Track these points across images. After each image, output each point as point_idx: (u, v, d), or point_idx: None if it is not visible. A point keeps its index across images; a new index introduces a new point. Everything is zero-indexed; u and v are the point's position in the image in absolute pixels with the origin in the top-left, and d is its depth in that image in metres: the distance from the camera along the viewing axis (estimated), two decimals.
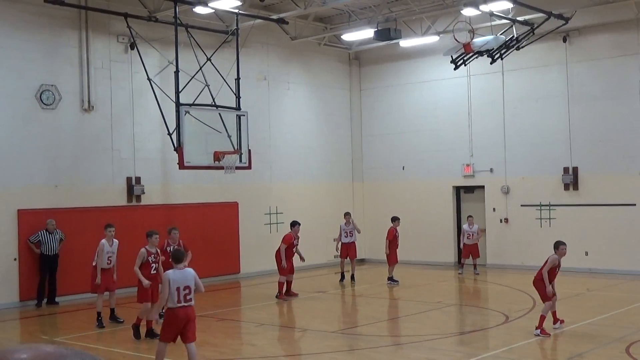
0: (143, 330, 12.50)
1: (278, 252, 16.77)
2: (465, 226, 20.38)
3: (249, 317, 14.87)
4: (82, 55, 17.95)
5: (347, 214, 19.61)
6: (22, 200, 16.68)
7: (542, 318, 11.99)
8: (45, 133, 17.26)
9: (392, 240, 18.83)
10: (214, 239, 20.03)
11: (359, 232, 19.53)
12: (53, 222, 16.58)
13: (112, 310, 14.11)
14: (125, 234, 17.19)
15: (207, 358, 11.25)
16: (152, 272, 12.59)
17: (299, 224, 17.08)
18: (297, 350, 12.19)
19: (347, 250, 19.39)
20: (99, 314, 13.81)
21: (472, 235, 20.10)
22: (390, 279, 18.70)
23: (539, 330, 11.83)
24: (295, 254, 16.89)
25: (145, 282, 12.42)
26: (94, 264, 13.82)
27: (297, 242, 16.89)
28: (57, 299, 16.59)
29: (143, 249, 12.64)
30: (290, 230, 17.05)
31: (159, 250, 12.94)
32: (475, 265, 20.34)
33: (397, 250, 18.97)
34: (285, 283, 16.74)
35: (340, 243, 19.43)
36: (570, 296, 16.31)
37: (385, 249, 18.88)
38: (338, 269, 19.72)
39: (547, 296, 12.04)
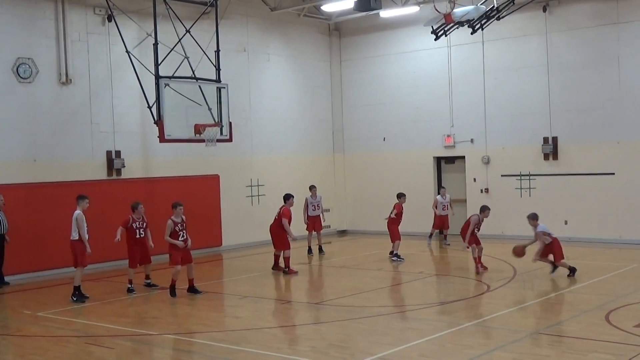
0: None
1: (280, 227, 16.24)
2: (438, 197, 20.68)
3: (231, 289, 14.89)
4: (59, 27, 17.68)
5: (312, 187, 19.60)
6: (1, 175, 16.51)
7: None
8: (22, 107, 17.05)
9: (398, 215, 18.48)
10: (195, 212, 19.91)
11: (324, 209, 19.77)
12: (2, 197, 16.01)
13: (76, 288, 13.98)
14: (106, 208, 17.12)
15: (191, 330, 11.27)
16: (180, 239, 13.85)
17: (292, 197, 16.88)
18: (281, 322, 12.24)
19: (314, 223, 19.47)
20: (78, 287, 13.76)
21: (446, 206, 20.48)
22: (396, 255, 18.04)
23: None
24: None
25: (181, 244, 13.82)
26: (76, 237, 13.64)
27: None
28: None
29: (170, 221, 13.82)
30: (284, 203, 16.63)
31: (184, 218, 14.09)
32: (445, 236, 20.71)
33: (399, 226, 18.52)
34: (280, 255, 16.49)
35: (306, 216, 19.43)
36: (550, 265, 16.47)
37: (388, 219, 18.48)
38: (315, 242, 19.65)
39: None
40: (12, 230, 16.19)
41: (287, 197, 16.80)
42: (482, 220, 15.97)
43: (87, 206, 13.91)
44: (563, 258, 14.77)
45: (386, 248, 18.75)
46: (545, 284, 14.19)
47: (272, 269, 16.61)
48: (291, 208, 16.68)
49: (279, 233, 16.31)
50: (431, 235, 20.84)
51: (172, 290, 13.87)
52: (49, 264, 17.00)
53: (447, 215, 20.63)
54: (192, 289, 14.16)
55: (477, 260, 15.71)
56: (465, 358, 9.03)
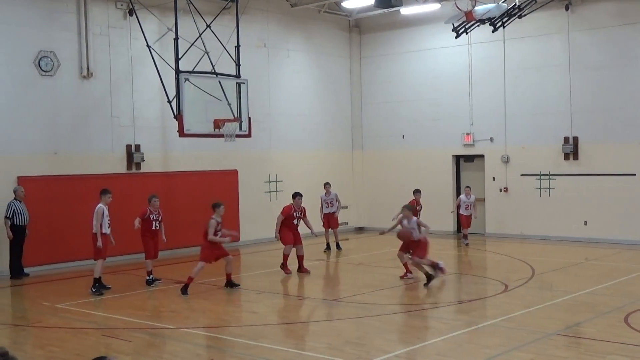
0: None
1: (282, 224, 15.92)
2: (462, 196, 20.29)
3: (249, 284, 14.92)
4: (81, 21, 17.79)
5: (326, 184, 19.58)
6: (22, 167, 16.66)
7: None
8: (44, 100, 17.18)
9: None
10: None
11: (339, 205, 19.61)
12: (22, 189, 16.14)
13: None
14: (125, 202, 17.21)
15: (208, 325, 11.31)
16: (219, 237, 14.01)
17: (300, 196, 16.18)
18: (297, 318, 12.26)
19: (329, 220, 19.47)
20: (98, 279, 13.87)
21: (470, 205, 20.03)
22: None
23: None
24: (297, 226, 16.06)
25: (227, 239, 14.13)
26: (94, 230, 13.81)
27: (301, 214, 16.07)
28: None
29: (213, 220, 13.89)
30: (292, 201, 16.35)
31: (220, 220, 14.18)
32: (465, 236, 20.26)
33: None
34: (289, 255, 15.88)
35: (322, 213, 19.39)
36: (569, 265, 16.39)
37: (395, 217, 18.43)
38: (332, 240, 19.62)
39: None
40: (33, 222, 16.33)
41: (294, 196, 16.28)
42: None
43: (109, 200, 14.05)
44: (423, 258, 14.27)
45: (400, 246, 18.61)
46: (564, 285, 14.08)
47: (298, 271, 16.01)
48: (303, 206, 16.19)
49: (282, 230, 15.83)
50: (465, 236, 20.27)
51: (185, 289, 13.65)
52: (69, 256, 17.12)
53: (470, 215, 20.06)
54: (230, 283, 14.26)
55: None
56: (482, 358, 8.99)
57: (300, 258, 15.96)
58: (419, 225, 14.48)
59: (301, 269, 15.94)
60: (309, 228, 16.26)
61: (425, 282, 14.04)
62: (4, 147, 16.45)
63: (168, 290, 14.33)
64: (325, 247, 19.54)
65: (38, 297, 13.97)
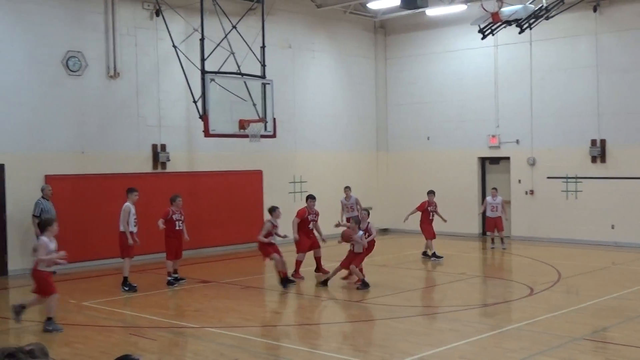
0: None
1: (299, 228, 15.55)
2: (488, 198, 20.05)
3: (273, 285, 14.95)
4: (108, 21, 17.95)
5: (346, 189, 19.04)
6: (50, 165, 16.84)
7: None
8: (71, 100, 17.36)
9: (424, 212, 18.45)
10: (238, 206, 20.13)
11: (360, 209, 19.15)
12: (50, 188, 16.27)
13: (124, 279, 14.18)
14: (150, 201, 17.33)
15: (232, 325, 11.35)
16: (272, 240, 14.55)
17: (313, 198, 15.89)
18: (321, 319, 12.25)
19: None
20: (126, 278, 13.99)
21: (496, 207, 19.67)
22: (434, 254, 17.98)
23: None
24: (312, 230, 15.73)
25: (278, 239, 14.67)
26: (121, 229, 13.94)
27: (315, 217, 15.76)
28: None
29: (268, 222, 14.59)
30: (306, 203, 16.11)
31: (277, 222, 14.73)
32: (502, 239, 19.75)
33: (432, 224, 18.37)
34: (302, 262, 15.54)
35: (342, 217, 18.92)
36: (596, 270, 16.22)
37: (407, 216, 18.53)
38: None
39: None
40: (59, 220, 16.39)
41: (306, 198, 16.19)
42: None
43: (136, 199, 14.18)
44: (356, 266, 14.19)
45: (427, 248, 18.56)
46: (590, 289, 13.94)
47: (315, 271, 15.71)
48: (317, 209, 15.90)
49: (299, 235, 15.42)
50: (493, 239, 20.07)
51: (286, 280, 14.52)
52: (95, 255, 17.27)
53: (499, 217, 19.59)
54: (287, 280, 14.63)
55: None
56: None
57: (317, 260, 15.64)
58: (367, 232, 14.37)
59: (319, 269, 15.60)
60: (319, 233, 15.79)
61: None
62: (32, 146, 16.64)
63: (192, 289, 14.40)
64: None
65: (64, 294, 14.04)
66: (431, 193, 18.64)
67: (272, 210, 14.83)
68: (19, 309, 11.15)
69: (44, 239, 10.92)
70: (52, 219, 11.38)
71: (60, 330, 10.80)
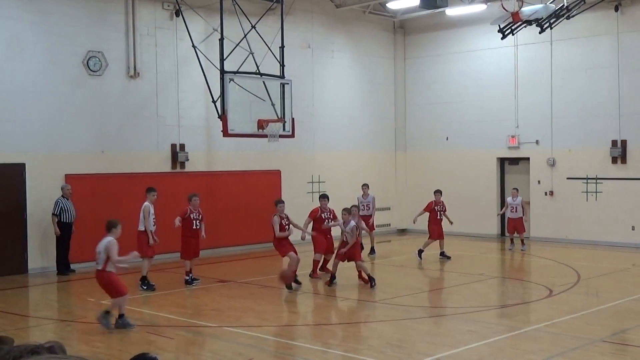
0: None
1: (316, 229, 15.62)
2: (509, 199, 19.93)
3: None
4: (128, 21, 18.07)
5: (364, 186, 18.93)
6: (70, 165, 16.97)
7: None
8: (92, 99, 17.48)
9: (431, 212, 18.40)
10: (256, 206, 20.15)
11: (374, 209, 19.07)
12: (69, 187, 16.42)
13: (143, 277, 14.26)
14: (169, 201, 17.42)
15: (249, 324, 11.38)
16: (287, 231, 14.54)
17: (327, 197, 15.93)
18: (338, 319, 12.25)
19: (365, 223, 19.00)
20: (145, 277, 14.06)
21: (515, 208, 19.53)
22: (442, 253, 18.07)
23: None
24: (329, 229, 15.75)
25: (285, 234, 14.55)
26: (142, 228, 14.01)
27: (330, 214, 15.69)
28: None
29: (276, 217, 14.50)
30: (319, 203, 16.08)
31: (288, 215, 14.77)
32: (522, 241, 19.55)
33: (442, 223, 18.29)
34: (319, 263, 15.65)
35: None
36: (616, 271, 16.08)
37: (415, 217, 18.52)
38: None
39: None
40: (79, 219, 16.63)
41: (320, 197, 16.18)
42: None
43: (154, 198, 14.26)
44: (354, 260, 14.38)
45: (446, 249, 18.50)
46: (610, 290, 13.82)
47: (320, 271, 15.76)
48: (332, 208, 15.87)
49: (317, 235, 15.47)
50: (512, 240, 19.91)
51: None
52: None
53: (519, 217, 19.50)
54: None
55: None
56: None
57: (325, 261, 15.71)
58: (357, 228, 14.39)
59: (324, 268, 15.65)
60: (335, 226, 15.66)
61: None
62: (52, 145, 16.78)
63: (210, 288, 14.45)
64: (370, 250, 19.15)
65: (83, 293, 14.20)
66: (438, 192, 18.51)
67: (275, 204, 14.88)
68: (105, 315, 10.87)
69: (113, 239, 10.87)
70: (118, 221, 11.27)
71: (133, 327, 10.75)
